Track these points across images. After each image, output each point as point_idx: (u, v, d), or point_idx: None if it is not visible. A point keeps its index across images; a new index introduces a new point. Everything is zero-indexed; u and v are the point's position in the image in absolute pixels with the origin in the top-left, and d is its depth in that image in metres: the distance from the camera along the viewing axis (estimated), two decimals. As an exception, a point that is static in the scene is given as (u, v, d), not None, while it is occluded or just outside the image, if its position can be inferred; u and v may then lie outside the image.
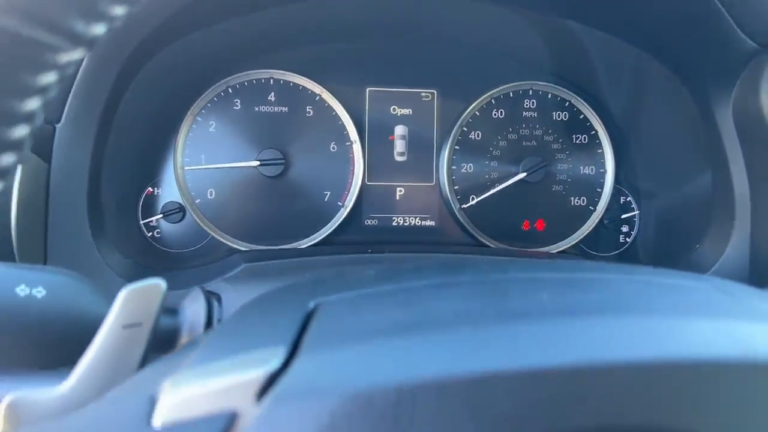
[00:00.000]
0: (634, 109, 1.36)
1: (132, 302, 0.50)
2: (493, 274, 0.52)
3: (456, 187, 1.38)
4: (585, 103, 1.39)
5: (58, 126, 0.98)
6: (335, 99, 1.33)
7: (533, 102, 1.38)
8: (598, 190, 1.39)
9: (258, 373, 0.36)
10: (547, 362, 0.35)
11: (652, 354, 0.36)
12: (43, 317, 0.55)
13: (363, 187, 1.35)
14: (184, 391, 0.37)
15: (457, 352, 0.36)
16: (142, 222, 1.29)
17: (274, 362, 0.37)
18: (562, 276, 0.52)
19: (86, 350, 0.50)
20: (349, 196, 1.34)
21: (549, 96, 1.39)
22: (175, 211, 1.29)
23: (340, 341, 0.39)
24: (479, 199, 1.37)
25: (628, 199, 1.41)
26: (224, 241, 1.30)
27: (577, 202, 1.39)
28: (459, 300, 0.46)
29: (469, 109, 1.36)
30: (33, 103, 0.35)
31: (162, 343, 0.55)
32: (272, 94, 1.32)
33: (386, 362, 0.36)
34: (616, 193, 1.41)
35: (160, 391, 0.38)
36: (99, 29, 0.35)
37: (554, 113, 1.39)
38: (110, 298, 0.52)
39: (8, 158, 0.35)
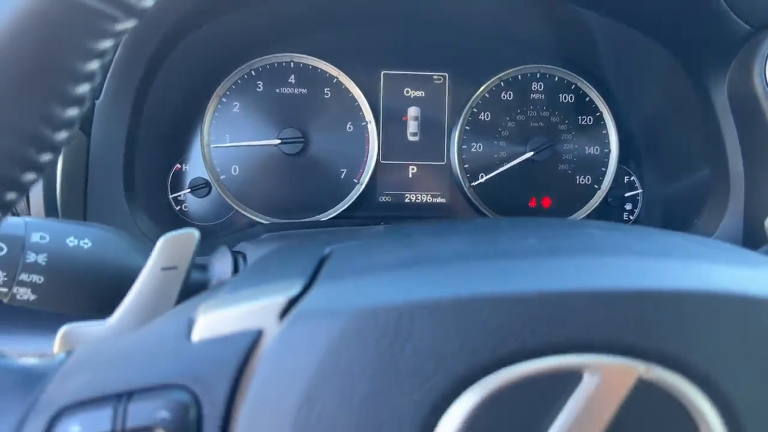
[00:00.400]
0: (637, 91, 1.38)
1: (169, 248, 0.56)
2: (488, 224, 0.58)
3: (466, 166, 1.40)
4: (590, 86, 1.40)
5: (98, 102, 1.03)
6: (352, 81, 1.37)
7: (541, 85, 1.41)
8: (603, 169, 1.41)
9: (280, 298, 0.41)
10: (526, 288, 0.39)
11: (621, 283, 0.40)
12: (89, 265, 0.60)
13: (377, 166, 1.39)
14: (218, 313, 0.42)
15: (449, 280, 0.41)
16: (171, 196, 1.34)
17: (294, 289, 0.42)
18: (550, 230, 0.58)
19: (126, 295, 0.55)
20: (364, 174, 1.38)
21: (556, 79, 1.41)
22: (202, 186, 1.34)
23: (350, 273, 0.44)
24: (488, 177, 1.39)
25: (631, 179, 1.43)
26: (247, 214, 1.34)
27: (583, 181, 1.41)
28: (455, 244, 0.51)
29: (479, 92, 1.39)
30: (93, 65, 0.40)
31: (193, 294, 0.62)
32: (292, 76, 1.36)
33: (389, 288, 0.40)
34: (620, 172, 1.42)
35: (197, 313, 0.42)
36: (148, 2, 0.42)
37: (561, 95, 1.41)
38: (146, 253, 0.57)
39: (73, 111, 0.42)
